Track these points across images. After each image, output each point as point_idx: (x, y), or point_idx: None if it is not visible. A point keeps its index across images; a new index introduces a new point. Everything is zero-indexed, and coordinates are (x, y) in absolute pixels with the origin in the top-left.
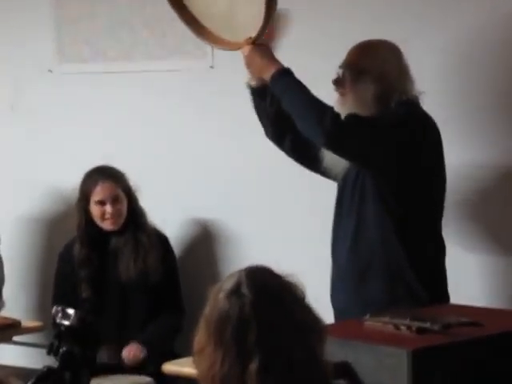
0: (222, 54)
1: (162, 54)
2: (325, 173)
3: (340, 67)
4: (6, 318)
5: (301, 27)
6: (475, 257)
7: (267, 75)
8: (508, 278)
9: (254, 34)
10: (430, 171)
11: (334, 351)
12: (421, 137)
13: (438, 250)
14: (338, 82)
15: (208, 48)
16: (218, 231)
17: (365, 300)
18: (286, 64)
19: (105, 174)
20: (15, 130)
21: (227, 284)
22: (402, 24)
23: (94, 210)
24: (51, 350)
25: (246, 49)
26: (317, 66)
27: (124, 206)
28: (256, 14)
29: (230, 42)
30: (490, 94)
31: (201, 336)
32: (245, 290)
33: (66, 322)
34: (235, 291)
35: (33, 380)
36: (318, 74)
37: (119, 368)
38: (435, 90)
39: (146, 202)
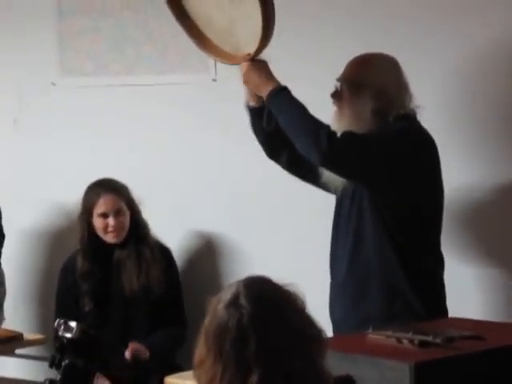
0: (224, 68)
1: (165, 68)
2: (324, 187)
3: (338, 80)
4: (8, 331)
5: (302, 39)
6: (473, 271)
7: (264, 93)
8: (506, 292)
9: (251, 50)
10: (427, 185)
11: (337, 364)
12: (417, 152)
13: (437, 264)
14: (336, 96)
15: (210, 61)
16: (221, 244)
17: (363, 316)
18: (289, 75)
19: (107, 187)
20: (18, 143)
21: (226, 295)
22: (406, 37)
23: (97, 222)
24: (53, 363)
25: (245, 65)
26: (320, 77)
27: (127, 219)
28: (256, 31)
29: (230, 56)
30: (490, 108)
31: (201, 348)
32: (243, 300)
33: (69, 335)
34: (233, 302)
35: None
36: (325, 86)
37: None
38: (435, 104)
39: (148, 214)
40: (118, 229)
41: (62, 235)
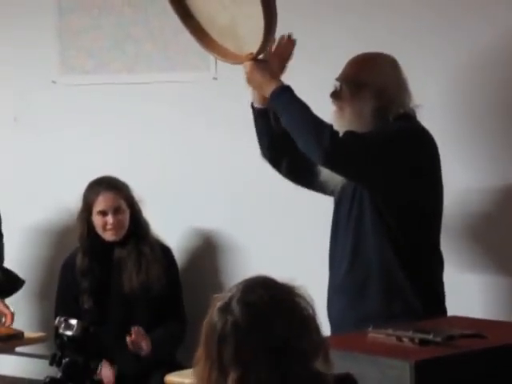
0: (225, 66)
1: (166, 66)
2: (321, 188)
3: (337, 80)
4: (9, 329)
5: (303, 38)
6: (474, 276)
7: (267, 92)
8: (506, 297)
9: (254, 50)
10: (427, 185)
11: (337, 363)
12: (417, 151)
13: (436, 263)
14: (336, 96)
15: (211, 60)
16: (221, 242)
17: (361, 316)
18: (295, 75)
19: (107, 185)
20: (18, 141)
21: (224, 296)
22: (409, 37)
23: (96, 220)
24: (54, 361)
25: (247, 64)
26: (321, 76)
27: (126, 217)
28: (258, 30)
29: (232, 55)
30: (492, 108)
31: (199, 346)
32: (234, 306)
33: (69, 333)
34: (226, 306)
35: None
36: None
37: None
38: (437, 103)
39: (149, 212)
40: (116, 227)
41: (62, 233)
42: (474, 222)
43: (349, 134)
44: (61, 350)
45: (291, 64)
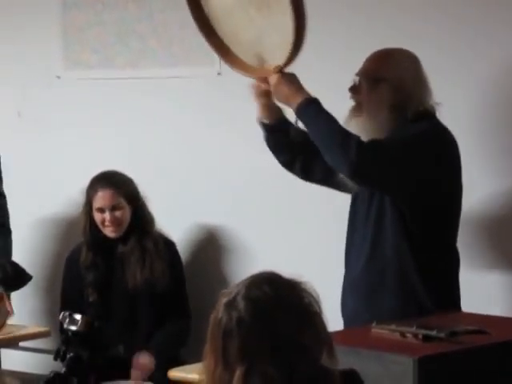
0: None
1: (170, 62)
2: (339, 186)
3: (356, 75)
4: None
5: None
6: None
7: (294, 104)
8: None
9: (281, 63)
10: (449, 186)
11: (341, 359)
12: (442, 155)
13: (453, 265)
14: (354, 90)
15: (215, 55)
16: (225, 237)
17: (375, 315)
18: (306, 74)
19: (106, 182)
20: (22, 136)
21: (230, 292)
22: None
23: (96, 216)
24: (58, 356)
25: (274, 77)
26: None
27: (125, 214)
28: (284, 43)
29: (257, 69)
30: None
31: (207, 341)
32: (239, 302)
33: (73, 328)
34: (232, 302)
35: None
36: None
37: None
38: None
39: (153, 208)
40: (114, 223)
41: (65, 228)
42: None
43: (374, 146)
44: (65, 345)
45: (306, 63)
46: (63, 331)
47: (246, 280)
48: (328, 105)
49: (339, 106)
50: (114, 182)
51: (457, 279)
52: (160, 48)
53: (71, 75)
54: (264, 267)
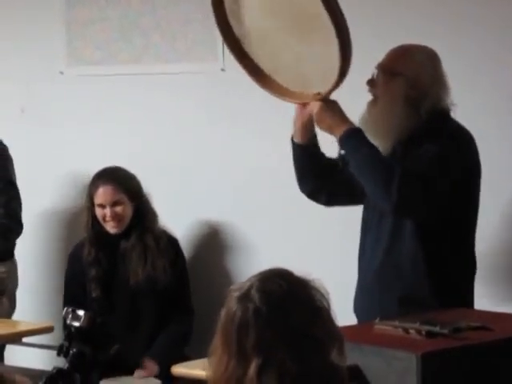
0: (233, 58)
1: (173, 57)
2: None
3: (376, 68)
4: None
5: None
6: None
7: (337, 134)
8: None
9: (321, 89)
10: (471, 196)
11: None
12: (468, 169)
13: (468, 274)
14: (372, 83)
15: (219, 51)
16: (228, 234)
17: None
18: None
19: (107, 178)
20: (25, 132)
21: (243, 285)
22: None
23: (97, 212)
24: (61, 352)
25: (316, 105)
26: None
27: (126, 210)
28: (327, 69)
29: (295, 94)
30: None
31: (215, 337)
32: (253, 294)
33: (76, 324)
34: (245, 294)
35: (43, 381)
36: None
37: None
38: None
39: (156, 204)
40: (115, 220)
41: (68, 224)
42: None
43: (414, 181)
44: (68, 341)
45: None
46: (66, 327)
47: (257, 275)
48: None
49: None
50: (116, 178)
51: (472, 289)
52: (163, 44)
53: (74, 71)
54: (266, 264)
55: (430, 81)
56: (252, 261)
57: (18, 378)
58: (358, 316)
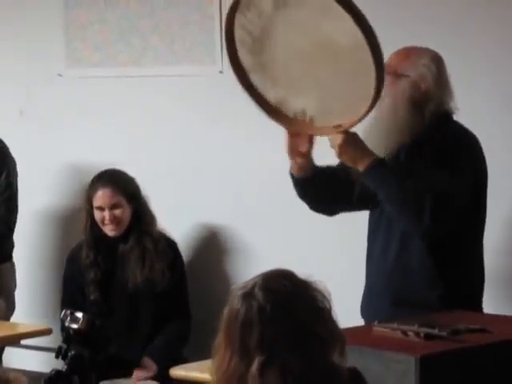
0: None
1: (172, 60)
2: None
3: None
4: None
5: None
6: None
7: (361, 166)
8: None
9: (342, 121)
10: (480, 202)
11: None
12: (477, 173)
13: (478, 278)
14: None
15: (217, 53)
16: (227, 237)
17: None
18: None
19: (106, 180)
20: (24, 134)
21: (246, 285)
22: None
23: (96, 214)
24: (59, 354)
25: (338, 137)
26: None
27: (125, 213)
28: (348, 101)
29: (317, 128)
30: None
31: (218, 335)
32: (257, 293)
33: (75, 326)
34: (249, 293)
35: (41, 383)
36: None
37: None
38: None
39: (155, 207)
40: (114, 222)
41: (67, 226)
42: None
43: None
44: (66, 343)
45: None
46: (64, 329)
47: (260, 275)
48: None
49: None
50: (114, 181)
51: (481, 293)
52: (162, 46)
53: (73, 73)
54: (266, 267)
55: (434, 83)
56: (251, 264)
57: (12, 375)
58: (366, 321)
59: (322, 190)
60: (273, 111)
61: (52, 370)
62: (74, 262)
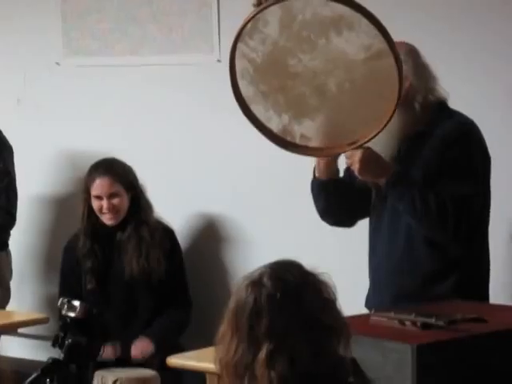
0: (229, 49)
1: (170, 49)
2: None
3: None
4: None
5: None
6: None
7: (382, 181)
8: None
9: (356, 137)
10: (484, 184)
11: None
12: (485, 161)
13: (485, 268)
14: None
15: (215, 42)
16: (225, 226)
17: None
18: None
19: (104, 169)
20: (21, 123)
21: (253, 274)
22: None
23: (94, 203)
24: (56, 342)
25: (357, 154)
26: None
27: (123, 202)
28: (361, 119)
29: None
30: None
31: (223, 323)
32: (266, 281)
33: (72, 314)
34: (257, 281)
35: (38, 372)
36: None
37: (124, 362)
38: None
39: (153, 195)
40: (112, 211)
41: (64, 215)
42: None
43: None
44: (64, 332)
45: None
46: (61, 318)
47: (267, 265)
48: None
49: None
50: (113, 170)
51: (487, 283)
52: (160, 35)
53: (71, 62)
54: (264, 256)
55: (415, 75)
56: (249, 253)
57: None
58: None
59: (343, 198)
60: (280, 140)
61: (49, 359)
62: (72, 250)
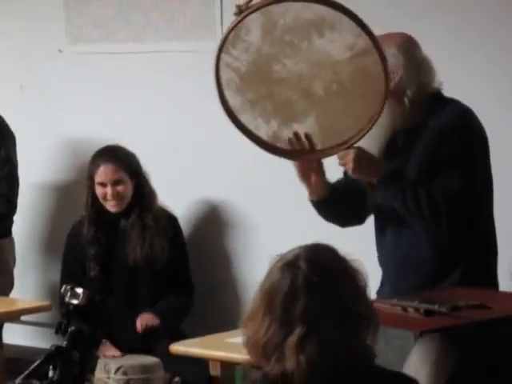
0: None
1: (172, 36)
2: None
3: None
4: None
5: None
6: None
7: (375, 179)
8: None
9: (346, 137)
10: (486, 173)
11: None
12: (483, 152)
13: (493, 256)
14: None
15: (217, 29)
16: (228, 212)
17: None
18: None
19: (108, 156)
20: (24, 110)
21: (287, 256)
22: None
23: (98, 190)
24: (59, 329)
25: (350, 153)
26: None
27: (127, 189)
28: (347, 116)
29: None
30: None
31: (254, 303)
32: (302, 263)
33: (75, 301)
34: (292, 263)
35: (41, 359)
36: None
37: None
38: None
39: (156, 182)
40: (116, 198)
41: (67, 202)
42: None
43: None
44: (66, 319)
45: None
46: (64, 305)
47: (301, 247)
48: None
49: None
50: (116, 157)
51: (495, 271)
52: (162, 22)
53: (73, 49)
54: (266, 241)
55: (406, 70)
56: (252, 238)
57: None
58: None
59: (345, 206)
60: (271, 148)
61: (52, 346)
62: (75, 237)
